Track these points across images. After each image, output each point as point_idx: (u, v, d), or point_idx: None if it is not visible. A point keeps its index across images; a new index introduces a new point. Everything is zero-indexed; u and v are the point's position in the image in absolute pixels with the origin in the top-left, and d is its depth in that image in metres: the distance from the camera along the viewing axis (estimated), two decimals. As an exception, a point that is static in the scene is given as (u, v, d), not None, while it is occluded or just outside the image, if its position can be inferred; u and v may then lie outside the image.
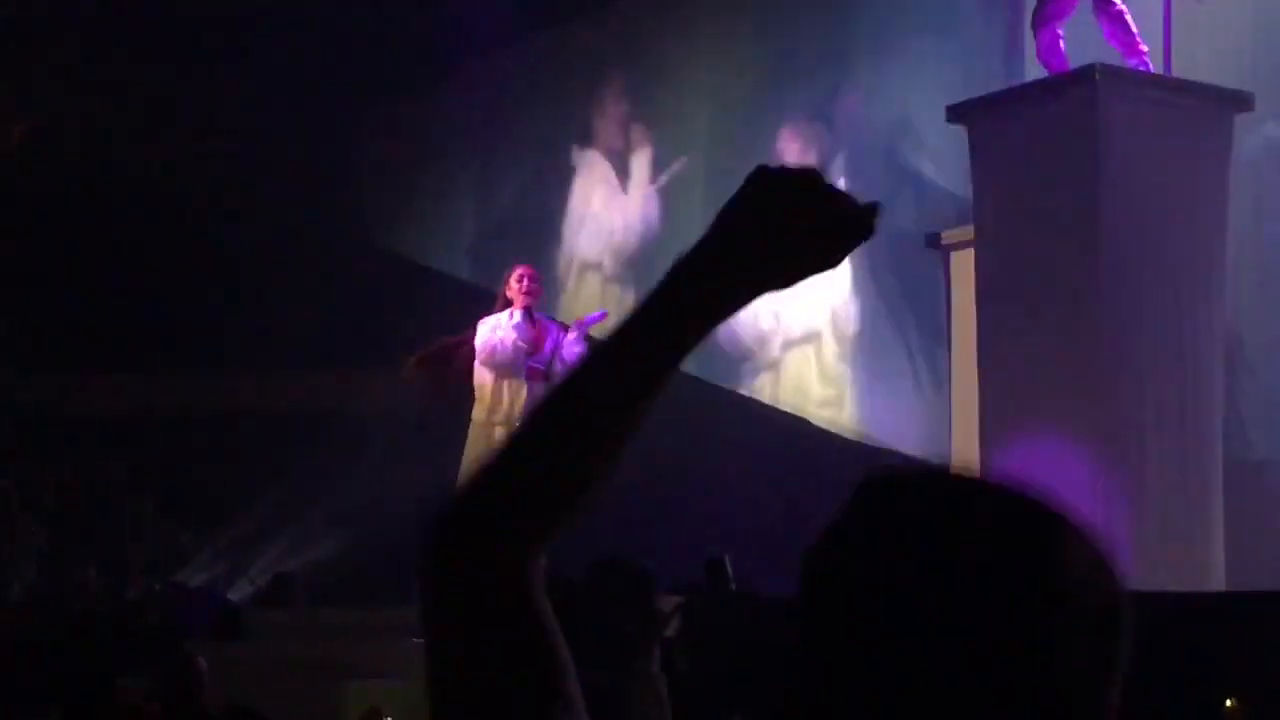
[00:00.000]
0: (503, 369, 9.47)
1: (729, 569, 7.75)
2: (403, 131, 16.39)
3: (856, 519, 1.14)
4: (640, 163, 14.61)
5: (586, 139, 15.04)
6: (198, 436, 14.33)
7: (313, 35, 15.05)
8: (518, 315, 9.38)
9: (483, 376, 9.43)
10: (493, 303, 9.74)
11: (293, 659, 8.63)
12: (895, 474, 1.17)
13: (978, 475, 1.16)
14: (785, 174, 1.31)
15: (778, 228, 1.30)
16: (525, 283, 9.61)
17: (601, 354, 1.33)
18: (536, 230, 15.10)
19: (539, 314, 9.60)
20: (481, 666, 1.30)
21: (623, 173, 14.77)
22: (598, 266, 14.51)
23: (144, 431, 14.39)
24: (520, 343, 9.47)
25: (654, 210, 14.47)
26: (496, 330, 9.49)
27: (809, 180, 1.31)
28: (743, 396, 13.08)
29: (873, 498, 1.15)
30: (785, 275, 1.32)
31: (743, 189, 1.31)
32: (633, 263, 14.38)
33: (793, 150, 13.01)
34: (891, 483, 1.16)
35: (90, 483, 14.13)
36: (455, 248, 15.92)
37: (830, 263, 1.31)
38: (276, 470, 13.77)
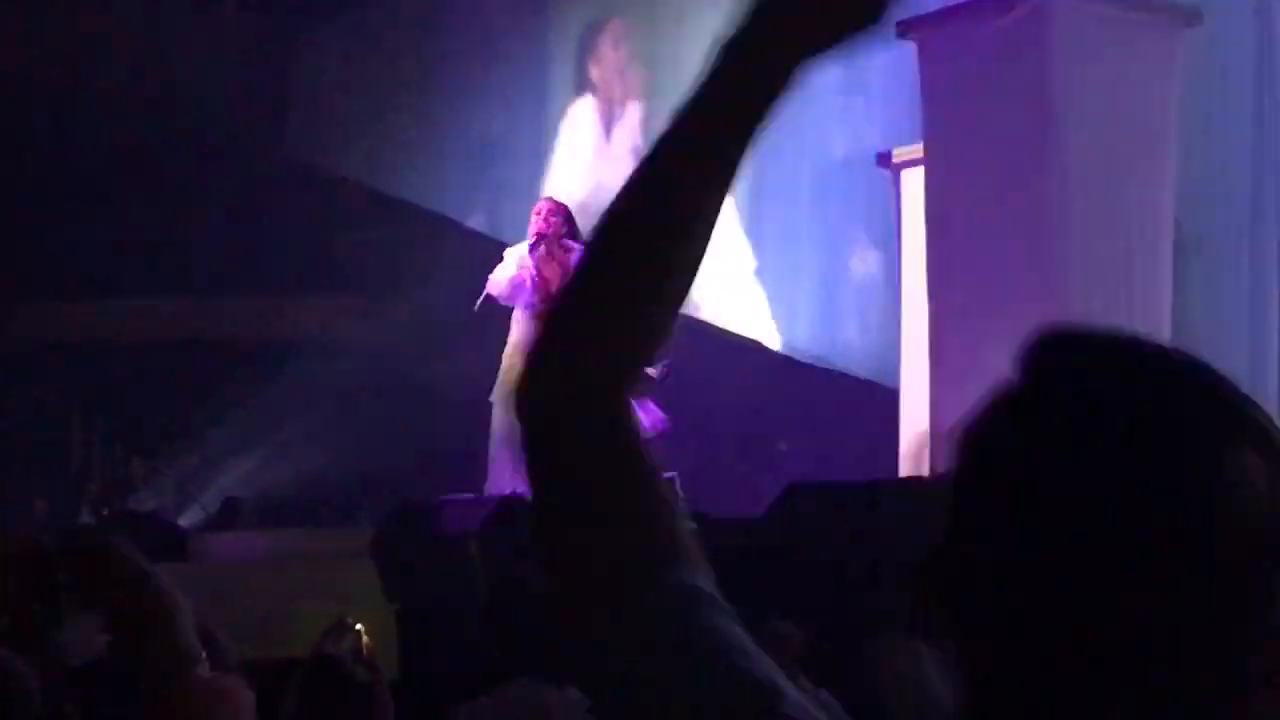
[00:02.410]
0: (525, 304, 9.37)
1: (678, 488, 7.74)
2: (341, 49, 16.18)
3: (1031, 385, 1.10)
4: (631, 111, 14.47)
5: (572, 78, 14.88)
6: (144, 364, 14.24)
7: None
8: (523, 248, 9.33)
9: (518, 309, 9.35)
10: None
11: (242, 583, 8.60)
12: (1074, 338, 1.12)
13: (1160, 347, 1.12)
14: None
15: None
16: (544, 214, 9.51)
17: (665, 140, 1.28)
18: (509, 164, 14.95)
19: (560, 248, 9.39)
20: (590, 514, 1.25)
21: (609, 118, 14.61)
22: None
23: (87, 360, 14.29)
24: (520, 277, 9.38)
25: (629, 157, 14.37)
26: (516, 266, 9.41)
27: None
28: (691, 318, 13.06)
29: (1049, 363, 1.11)
30: (830, 33, 1.29)
31: None
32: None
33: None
34: (1070, 348, 1.11)
35: (34, 412, 14.04)
36: (413, 176, 15.77)
37: (876, 20, 1.28)
38: (224, 398, 13.71)
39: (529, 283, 9.30)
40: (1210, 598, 1.04)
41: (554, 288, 9.17)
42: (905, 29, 9.01)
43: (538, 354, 1.29)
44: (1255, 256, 9.92)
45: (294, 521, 11.27)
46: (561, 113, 14.64)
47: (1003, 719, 1.07)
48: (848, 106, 12.25)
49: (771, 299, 12.82)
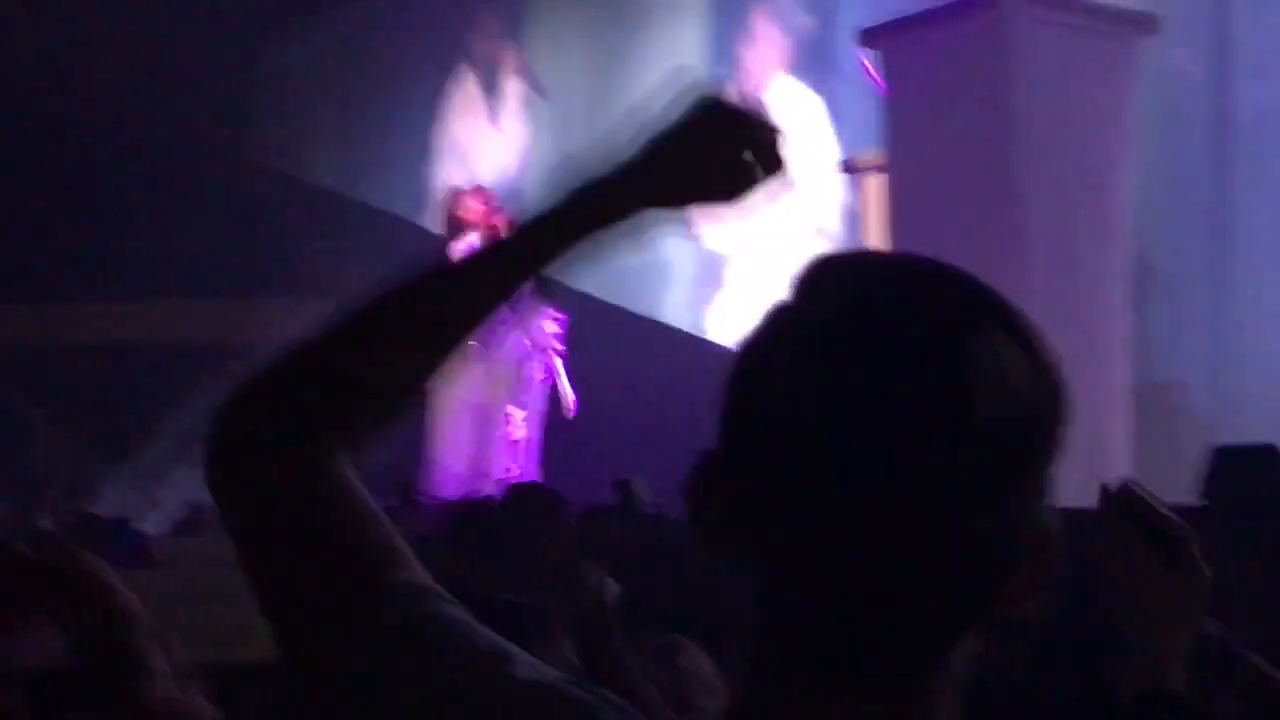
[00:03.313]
0: None
1: (639, 491, 7.77)
2: (300, 54, 16.19)
3: (792, 302, 1.14)
4: (514, 88, 14.54)
5: (462, 61, 14.94)
6: (105, 368, 14.21)
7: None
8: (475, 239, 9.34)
9: None
10: (415, 234, 9.70)
11: (205, 588, 8.59)
12: (836, 259, 1.16)
13: (916, 258, 1.17)
14: (732, 109, 1.33)
15: (705, 156, 1.32)
16: (493, 201, 9.52)
17: (479, 253, 1.35)
18: (425, 154, 15.01)
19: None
20: (289, 547, 1.31)
21: (496, 98, 14.69)
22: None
23: (49, 364, 14.25)
24: None
25: (523, 139, 14.41)
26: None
27: (752, 119, 1.33)
28: (655, 321, 13.10)
29: (815, 280, 1.14)
30: (687, 200, 1.34)
31: (688, 114, 1.32)
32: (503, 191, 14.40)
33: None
34: (829, 269, 1.15)
35: (-4, 416, 13.99)
36: (358, 173, 15.79)
37: (736, 198, 1.35)
38: (187, 402, 13.68)
39: None
40: (979, 485, 1.08)
41: None
42: (867, 38, 9.08)
43: (253, 385, 1.35)
44: (1215, 261, 10.02)
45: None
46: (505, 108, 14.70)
47: (787, 626, 1.10)
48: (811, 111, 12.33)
49: (743, 306, 12.87)
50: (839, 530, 1.06)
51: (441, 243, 9.55)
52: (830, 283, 1.13)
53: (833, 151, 12.18)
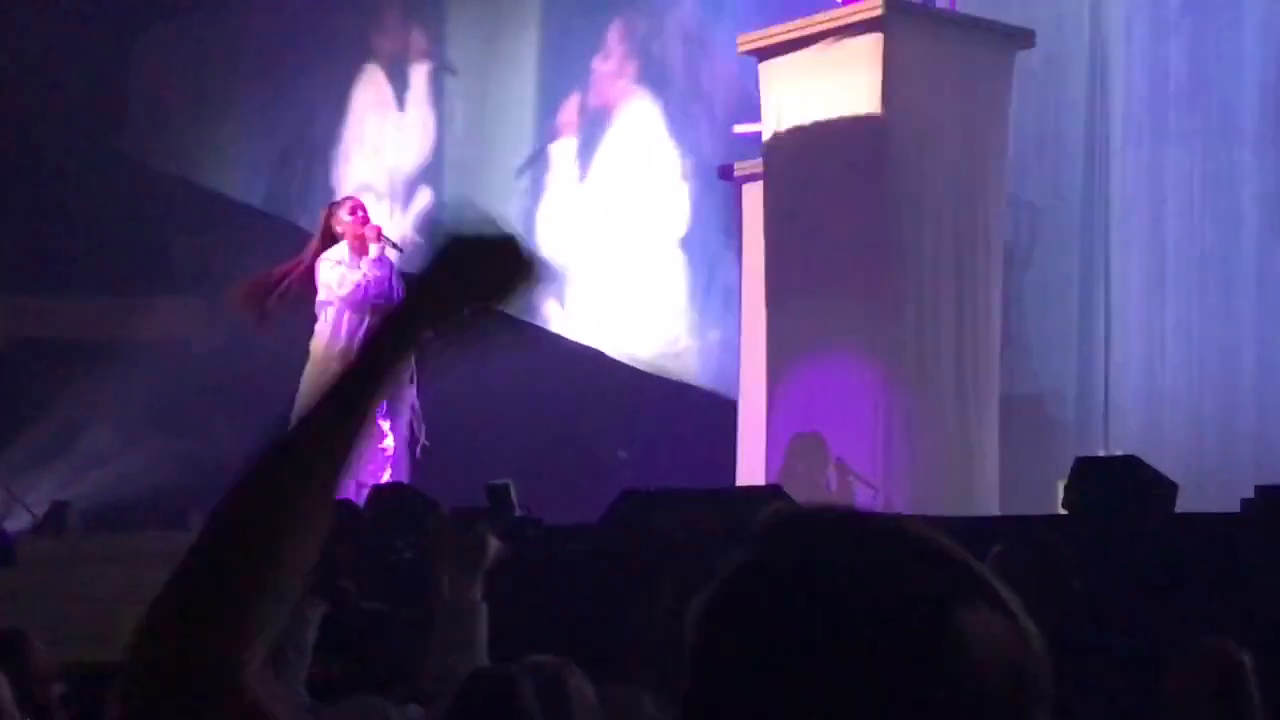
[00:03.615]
0: (359, 306, 9.37)
1: (513, 495, 7.73)
2: (183, 48, 15.99)
3: (763, 569, 1.12)
4: (418, 76, 14.50)
5: (366, 53, 14.87)
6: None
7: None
8: (374, 251, 9.33)
9: (336, 312, 9.33)
10: (294, 233, 9.64)
11: (68, 587, 8.46)
12: (798, 521, 1.14)
13: (887, 520, 1.14)
14: (475, 242, 1.49)
15: (466, 288, 1.48)
16: (362, 214, 9.52)
17: (299, 429, 1.43)
18: (317, 150, 14.92)
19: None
20: None
21: (401, 88, 14.64)
22: (370, 188, 14.35)
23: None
24: (381, 279, 9.44)
25: (430, 128, 14.37)
26: (351, 268, 9.38)
27: (499, 247, 1.49)
28: (534, 326, 13.07)
29: (781, 546, 1.12)
30: (461, 313, 1.50)
31: (437, 257, 1.48)
32: (408, 182, 14.32)
33: (606, 65, 13.02)
34: (800, 532, 1.13)
35: None
36: (234, 169, 15.62)
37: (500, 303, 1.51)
38: (53, 400, 13.46)
39: (363, 282, 9.33)
40: None
41: (384, 287, 9.27)
42: (748, 45, 9.11)
43: (166, 612, 1.39)
44: (1084, 273, 10.14)
45: (123, 525, 11.09)
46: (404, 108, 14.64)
47: None
48: (690, 118, 12.35)
49: (613, 307, 12.87)
50: None
51: (312, 248, 9.52)
52: (801, 542, 1.12)
53: (677, 162, 12.28)
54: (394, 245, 9.51)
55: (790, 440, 8.47)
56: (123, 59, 15.77)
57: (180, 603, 1.38)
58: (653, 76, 12.84)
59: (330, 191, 14.22)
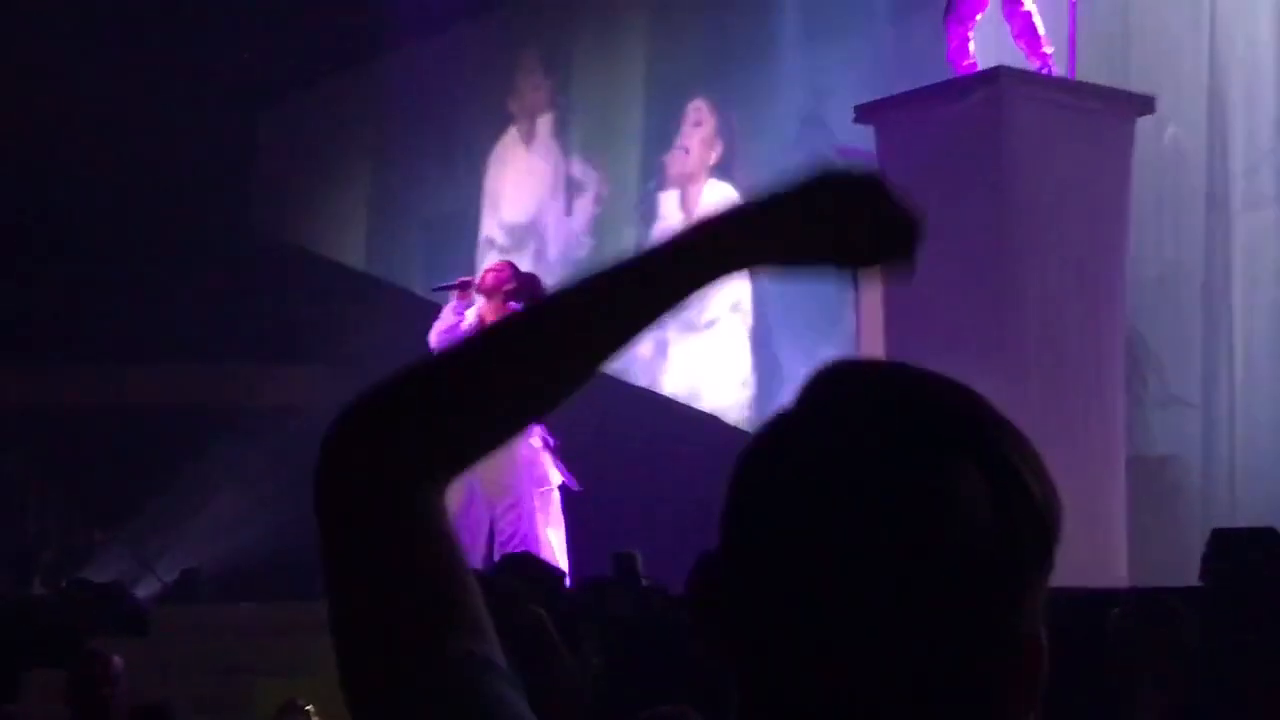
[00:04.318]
0: None
1: (638, 564, 7.78)
2: (305, 122, 16.28)
3: (794, 413, 1.16)
4: (550, 149, 14.66)
5: (500, 129, 15.05)
6: (100, 432, 14.20)
7: (209, 24, 14.95)
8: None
9: None
10: (411, 301, 9.76)
11: (200, 657, 8.58)
12: (840, 368, 1.18)
13: (929, 374, 1.17)
14: (853, 180, 1.32)
15: (826, 225, 1.30)
16: (486, 270, 9.69)
17: (589, 286, 1.28)
18: (440, 222, 15.10)
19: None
20: (374, 582, 1.26)
21: (535, 160, 14.80)
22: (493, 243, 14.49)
23: (44, 427, 14.24)
24: (451, 324, 9.60)
25: (549, 181, 14.52)
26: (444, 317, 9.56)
27: (873, 190, 1.31)
28: (654, 393, 13.13)
29: (811, 390, 1.17)
30: (799, 258, 1.32)
31: (806, 184, 1.31)
32: (541, 255, 14.45)
33: (698, 136, 13.12)
34: (833, 379, 1.17)
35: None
36: (356, 240, 15.86)
37: (852, 261, 1.32)
38: (181, 466, 13.68)
39: (458, 333, 9.43)
40: (940, 616, 1.10)
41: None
42: (864, 113, 9.14)
43: (363, 410, 1.27)
44: (1208, 337, 10.06)
45: (253, 593, 11.24)
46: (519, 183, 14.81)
47: None
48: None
49: (736, 375, 12.92)
50: (826, 643, 1.09)
51: (448, 306, 9.65)
52: (829, 394, 1.15)
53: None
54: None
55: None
56: (250, 133, 16.08)
57: (376, 399, 1.26)
58: (764, 143, 12.93)
59: (454, 259, 14.40)
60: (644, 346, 13.04)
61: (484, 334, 1.32)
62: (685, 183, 13.19)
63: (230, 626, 9.39)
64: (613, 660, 6.85)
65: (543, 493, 9.20)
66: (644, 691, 6.27)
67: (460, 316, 9.49)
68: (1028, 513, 1.14)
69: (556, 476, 9.21)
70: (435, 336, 9.52)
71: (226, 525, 13.18)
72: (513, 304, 9.40)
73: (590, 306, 1.27)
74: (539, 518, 9.14)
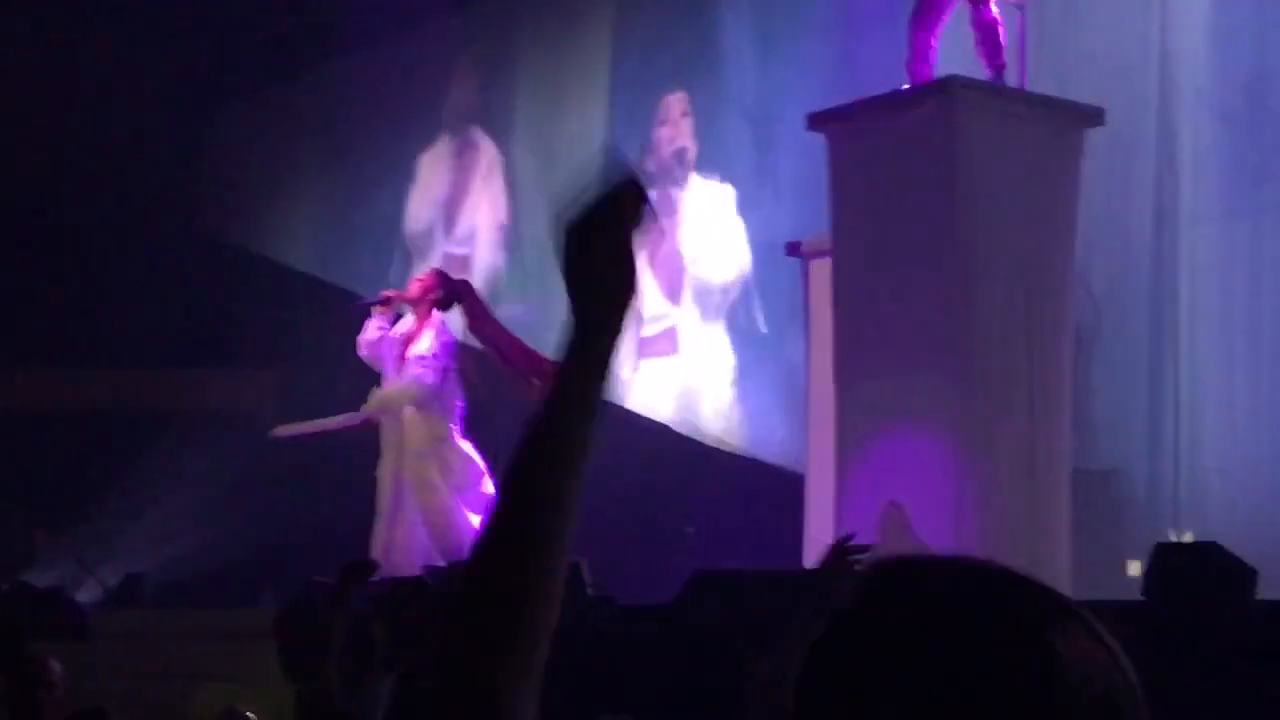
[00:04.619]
0: (375, 365, 9.57)
1: (584, 572, 7.75)
2: (253, 127, 16.19)
3: (862, 615, 1.15)
4: (486, 146, 14.64)
5: (434, 126, 15.03)
6: (43, 435, 14.09)
7: (157, 27, 14.87)
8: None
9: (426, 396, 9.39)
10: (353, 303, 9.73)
11: (141, 662, 8.51)
12: (899, 569, 1.17)
13: (985, 565, 1.16)
14: (582, 220, 1.47)
15: (599, 270, 1.48)
16: (414, 281, 9.68)
17: (533, 450, 1.46)
18: (380, 228, 15.06)
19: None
20: None
21: (469, 159, 14.78)
22: (440, 258, 14.46)
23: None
24: (375, 337, 9.61)
25: (500, 207, 14.49)
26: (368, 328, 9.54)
27: (606, 209, 1.47)
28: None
29: (878, 593, 1.16)
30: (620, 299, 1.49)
31: (565, 248, 1.47)
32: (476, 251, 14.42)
33: (685, 126, 13.12)
34: (895, 579, 1.17)
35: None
36: (303, 244, 15.79)
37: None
38: (125, 470, 13.58)
39: (384, 343, 9.44)
40: None
41: (408, 351, 9.32)
42: (815, 121, 9.14)
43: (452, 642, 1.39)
44: (1154, 350, 10.11)
45: (196, 599, 11.17)
46: (472, 178, 14.78)
47: None
48: (758, 196, 12.41)
49: (678, 381, 12.90)
50: None
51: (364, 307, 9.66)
52: (903, 588, 1.15)
53: (742, 240, 12.37)
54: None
55: (862, 517, 8.45)
56: (196, 138, 15.98)
57: (465, 631, 1.38)
58: (716, 153, 12.93)
59: (399, 264, 14.35)
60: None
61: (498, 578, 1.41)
62: (666, 179, 13.13)
63: (171, 632, 9.33)
64: (556, 669, 6.81)
65: (476, 488, 9.25)
66: (588, 701, 6.25)
67: (385, 329, 9.48)
68: (1129, 685, 1.15)
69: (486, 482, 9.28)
70: (364, 347, 9.54)
71: (170, 530, 13.10)
72: (438, 312, 9.40)
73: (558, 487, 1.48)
74: (465, 514, 9.20)
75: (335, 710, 6.88)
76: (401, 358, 9.37)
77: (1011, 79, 8.82)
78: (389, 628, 7.30)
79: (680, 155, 13.09)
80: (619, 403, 12.73)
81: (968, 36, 8.86)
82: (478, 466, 9.31)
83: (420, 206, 14.96)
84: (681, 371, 12.85)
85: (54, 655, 6.65)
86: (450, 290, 9.53)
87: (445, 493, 9.23)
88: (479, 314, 9.46)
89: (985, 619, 1.11)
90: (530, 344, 9.31)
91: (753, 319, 12.42)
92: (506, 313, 13.39)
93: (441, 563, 8.93)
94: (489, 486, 9.22)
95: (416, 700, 4.73)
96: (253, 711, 6.48)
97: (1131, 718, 1.13)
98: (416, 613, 7.41)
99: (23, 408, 14.53)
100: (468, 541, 9.05)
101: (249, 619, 8.54)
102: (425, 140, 14.99)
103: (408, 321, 9.55)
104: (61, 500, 13.71)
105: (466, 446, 9.35)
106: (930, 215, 8.39)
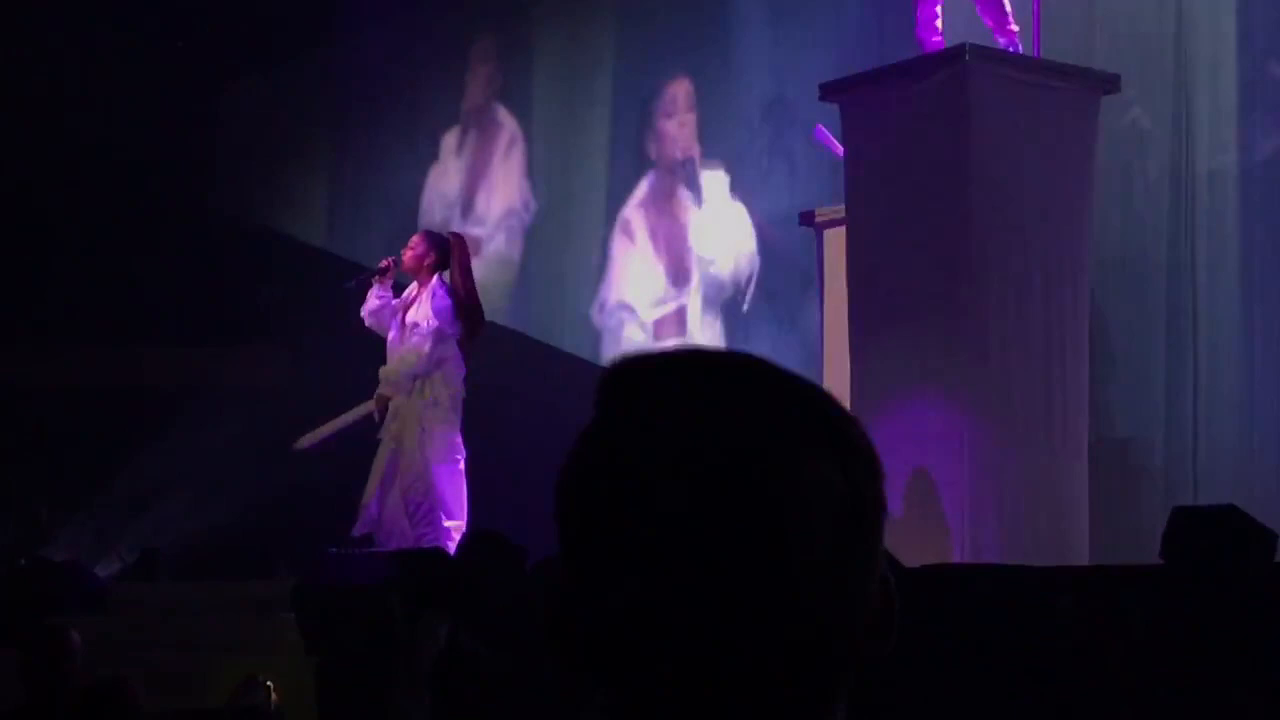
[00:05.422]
0: (380, 332, 9.62)
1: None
2: (265, 102, 16.19)
3: (603, 419, 1.15)
4: (501, 141, 14.63)
5: (452, 106, 15.01)
6: (63, 411, 14.13)
7: (168, 4, 14.88)
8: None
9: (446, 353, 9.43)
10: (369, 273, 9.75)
11: (159, 634, 8.55)
12: (634, 368, 1.16)
13: (729, 360, 1.16)
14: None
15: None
16: (408, 246, 9.69)
17: None
18: (396, 205, 15.06)
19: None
20: None
21: (486, 140, 14.76)
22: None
23: (4, 406, 14.16)
24: (376, 305, 9.65)
25: (518, 188, 14.48)
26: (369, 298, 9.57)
27: None
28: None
29: (616, 395, 1.15)
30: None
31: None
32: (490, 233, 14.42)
33: (694, 118, 13.11)
34: (632, 379, 1.16)
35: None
36: (320, 221, 15.79)
37: None
38: (143, 446, 13.62)
39: (386, 310, 9.48)
40: (808, 572, 1.12)
41: (406, 317, 9.34)
42: (828, 91, 9.13)
43: None
44: (1172, 318, 10.08)
45: (213, 571, 11.20)
46: (492, 157, 14.77)
47: None
48: (772, 168, 12.39)
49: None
50: (694, 637, 1.10)
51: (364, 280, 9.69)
52: (644, 394, 1.14)
53: (747, 223, 12.38)
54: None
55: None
56: (209, 115, 15.99)
57: None
58: (724, 132, 12.90)
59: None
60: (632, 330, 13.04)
61: None
62: (673, 165, 13.12)
63: (189, 604, 9.36)
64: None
65: (451, 464, 9.27)
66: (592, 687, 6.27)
67: (386, 297, 9.50)
68: (866, 480, 1.17)
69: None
70: (369, 317, 9.58)
71: (187, 505, 13.14)
72: (439, 274, 9.42)
73: None
74: (447, 488, 9.23)
75: (353, 682, 6.91)
76: (402, 324, 9.40)
77: (1024, 46, 8.80)
78: (407, 600, 7.33)
79: (687, 148, 13.09)
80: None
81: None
82: (455, 442, 9.32)
83: (439, 186, 14.95)
84: (693, 343, 12.84)
85: (73, 628, 6.68)
86: (442, 251, 9.55)
87: (421, 460, 9.25)
88: (463, 266, 9.51)
89: (729, 442, 1.11)
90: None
91: (758, 298, 12.43)
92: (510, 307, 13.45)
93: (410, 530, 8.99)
94: (460, 465, 9.26)
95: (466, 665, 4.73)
96: (272, 680, 6.52)
97: (867, 513, 1.15)
98: (435, 585, 7.44)
99: (38, 384, 14.57)
100: (435, 517, 9.12)
101: (266, 590, 8.59)
102: (444, 116, 14.97)
103: (410, 288, 9.57)
104: (80, 476, 13.76)
105: (454, 419, 9.34)
106: (945, 184, 8.38)
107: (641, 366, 1.16)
